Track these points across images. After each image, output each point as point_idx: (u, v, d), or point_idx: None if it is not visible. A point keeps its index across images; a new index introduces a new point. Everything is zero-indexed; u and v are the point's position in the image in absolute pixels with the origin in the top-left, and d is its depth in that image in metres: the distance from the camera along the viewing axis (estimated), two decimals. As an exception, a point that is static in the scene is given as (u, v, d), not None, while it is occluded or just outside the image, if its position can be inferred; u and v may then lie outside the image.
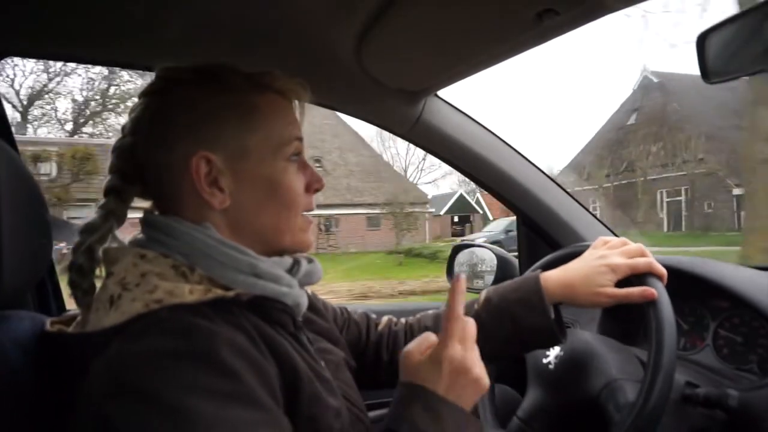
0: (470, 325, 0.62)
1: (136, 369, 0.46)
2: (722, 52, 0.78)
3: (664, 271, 0.77)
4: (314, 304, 0.78)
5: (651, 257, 0.78)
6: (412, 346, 0.62)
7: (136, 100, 0.66)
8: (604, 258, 0.80)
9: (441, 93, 1.16)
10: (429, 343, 0.62)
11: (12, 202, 0.58)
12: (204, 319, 0.50)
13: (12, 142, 0.99)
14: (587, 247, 0.86)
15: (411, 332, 0.89)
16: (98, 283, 0.59)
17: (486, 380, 0.60)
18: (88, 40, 0.91)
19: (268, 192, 0.62)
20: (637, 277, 0.77)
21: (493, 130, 1.24)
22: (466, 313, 0.87)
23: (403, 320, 0.92)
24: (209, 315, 0.51)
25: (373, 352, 0.87)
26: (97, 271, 0.60)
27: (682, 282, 0.90)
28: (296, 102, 0.68)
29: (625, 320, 1.07)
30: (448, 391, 0.57)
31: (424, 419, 0.55)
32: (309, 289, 0.81)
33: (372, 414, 1.31)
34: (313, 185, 0.67)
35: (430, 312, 0.92)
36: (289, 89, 0.66)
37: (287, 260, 0.65)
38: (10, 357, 0.55)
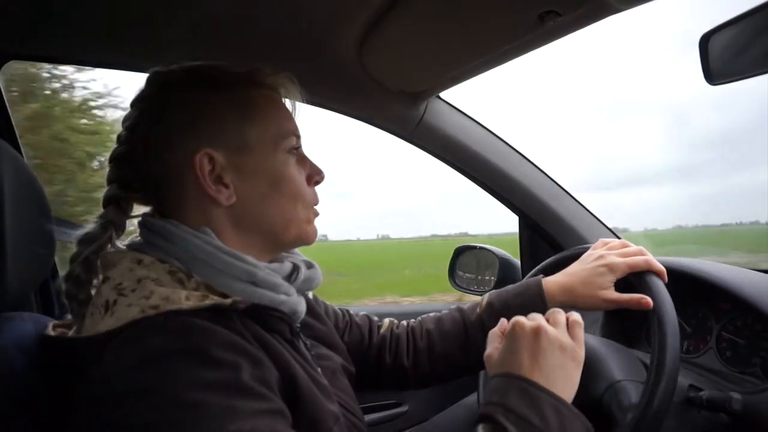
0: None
1: (137, 371, 0.46)
2: (725, 53, 0.77)
3: (662, 269, 0.77)
4: (314, 309, 0.77)
5: (650, 256, 0.78)
6: (489, 343, 0.65)
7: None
8: (602, 258, 0.80)
9: (443, 95, 1.17)
10: (499, 332, 0.65)
11: (15, 203, 0.58)
12: (200, 320, 0.50)
13: (16, 144, 0.99)
14: (588, 249, 0.86)
15: (413, 335, 0.89)
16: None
17: (574, 346, 0.59)
18: (90, 43, 0.92)
19: (272, 185, 0.62)
20: (635, 276, 0.77)
21: (496, 132, 1.24)
22: (469, 317, 0.87)
23: (404, 323, 0.92)
24: (206, 319, 0.51)
25: (376, 355, 0.87)
26: (95, 282, 0.59)
27: (685, 284, 0.89)
28: (290, 101, 0.69)
29: (628, 323, 1.06)
30: (539, 371, 0.56)
31: (520, 403, 0.54)
32: (310, 293, 0.82)
33: (368, 418, 1.32)
34: (314, 177, 0.68)
35: (432, 314, 0.92)
36: (278, 84, 0.67)
37: (287, 266, 0.65)
38: (13, 358, 0.55)
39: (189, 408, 0.44)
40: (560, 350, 0.58)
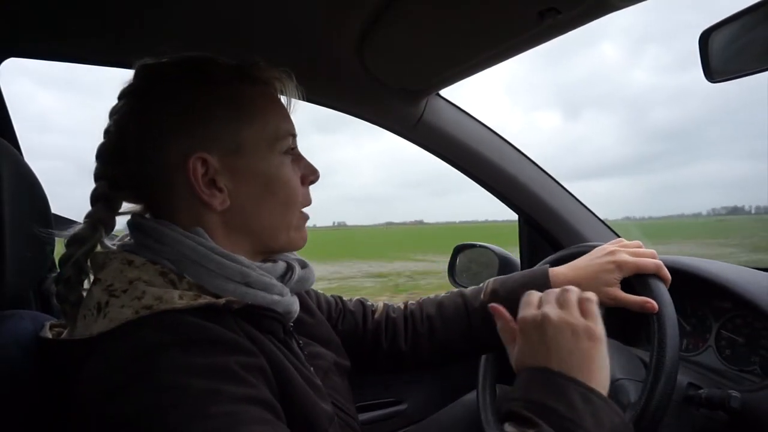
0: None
1: (128, 366, 0.46)
2: (725, 50, 0.77)
3: (669, 277, 0.76)
4: (307, 304, 0.76)
5: (660, 262, 0.77)
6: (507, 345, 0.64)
7: None
8: (612, 254, 0.79)
9: (443, 92, 1.16)
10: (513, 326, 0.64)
11: (14, 201, 0.58)
12: (193, 317, 0.50)
13: (15, 142, 0.99)
14: (595, 247, 0.85)
15: (412, 318, 0.88)
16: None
17: (586, 323, 0.57)
18: (87, 40, 0.91)
19: (266, 188, 0.61)
20: (638, 277, 0.77)
21: (495, 130, 1.24)
22: (471, 304, 0.85)
23: (400, 306, 0.91)
24: (199, 317, 0.50)
25: (372, 340, 0.86)
26: (85, 283, 0.59)
27: (684, 282, 0.89)
28: (289, 98, 0.67)
29: (627, 321, 1.06)
30: (557, 360, 0.54)
31: (544, 394, 0.51)
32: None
33: (368, 416, 1.32)
34: (309, 177, 0.66)
35: (432, 297, 0.91)
36: (275, 79, 0.65)
37: (281, 266, 0.64)
38: (11, 357, 0.55)
39: (172, 390, 0.44)
40: (571, 333, 0.56)
